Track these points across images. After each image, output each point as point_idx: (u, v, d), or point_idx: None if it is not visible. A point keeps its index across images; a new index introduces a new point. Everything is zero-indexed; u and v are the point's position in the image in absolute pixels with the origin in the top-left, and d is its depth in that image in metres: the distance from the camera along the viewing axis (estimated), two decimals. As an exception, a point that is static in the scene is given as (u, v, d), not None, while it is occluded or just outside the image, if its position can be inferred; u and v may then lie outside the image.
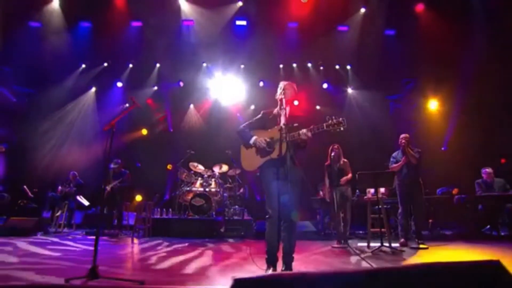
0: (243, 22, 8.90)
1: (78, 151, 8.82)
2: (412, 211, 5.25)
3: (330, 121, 2.72)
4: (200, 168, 7.46)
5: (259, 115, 3.19)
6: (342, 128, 2.70)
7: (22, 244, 4.80)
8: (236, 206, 7.39)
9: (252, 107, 9.91)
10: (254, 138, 2.99)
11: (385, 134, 8.14)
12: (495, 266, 0.94)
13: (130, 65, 9.55)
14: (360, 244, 5.29)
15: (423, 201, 5.46)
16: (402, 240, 5.07)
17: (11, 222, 6.09)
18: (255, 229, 6.58)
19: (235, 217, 7.03)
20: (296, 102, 7.97)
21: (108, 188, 6.36)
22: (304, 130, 2.77)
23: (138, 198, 8.66)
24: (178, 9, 8.47)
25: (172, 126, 10.24)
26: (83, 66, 9.37)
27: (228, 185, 7.60)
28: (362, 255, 4.08)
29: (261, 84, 9.67)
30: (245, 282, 1.00)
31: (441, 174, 7.57)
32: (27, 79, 8.75)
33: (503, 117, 8.06)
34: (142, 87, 9.71)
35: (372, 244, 4.87)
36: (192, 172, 7.47)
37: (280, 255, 2.85)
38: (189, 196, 6.94)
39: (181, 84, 9.78)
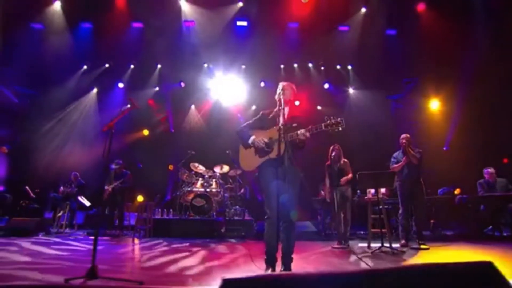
0: (244, 23, 8.89)
1: (79, 152, 8.84)
2: (413, 211, 5.23)
3: (328, 121, 2.72)
4: (201, 168, 7.47)
5: (258, 116, 3.21)
6: (340, 128, 2.70)
7: (25, 244, 4.82)
8: (237, 207, 7.39)
9: (253, 107, 9.90)
10: (252, 138, 2.99)
11: (386, 134, 8.10)
12: (488, 267, 0.94)
13: (131, 66, 9.59)
14: (360, 244, 5.28)
15: (425, 201, 5.44)
16: (402, 240, 5.05)
17: (13, 223, 6.14)
18: (256, 229, 6.58)
19: (236, 218, 7.03)
20: (297, 103, 7.99)
21: (110, 188, 6.39)
22: (302, 130, 2.77)
23: (139, 198, 8.70)
24: (178, 9, 8.48)
25: (173, 126, 10.26)
26: (85, 67, 9.41)
27: (229, 185, 7.59)
28: (362, 256, 4.07)
29: (262, 84, 9.67)
30: (234, 282, 1.01)
31: (442, 174, 7.53)
32: (29, 80, 8.79)
33: (505, 117, 8.00)
34: (143, 88, 9.74)
35: (372, 245, 4.85)
36: (193, 172, 7.48)
37: (279, 255, 2.84)
38: (190, 197, 6.95)
39: (182, 84, 9.80)
